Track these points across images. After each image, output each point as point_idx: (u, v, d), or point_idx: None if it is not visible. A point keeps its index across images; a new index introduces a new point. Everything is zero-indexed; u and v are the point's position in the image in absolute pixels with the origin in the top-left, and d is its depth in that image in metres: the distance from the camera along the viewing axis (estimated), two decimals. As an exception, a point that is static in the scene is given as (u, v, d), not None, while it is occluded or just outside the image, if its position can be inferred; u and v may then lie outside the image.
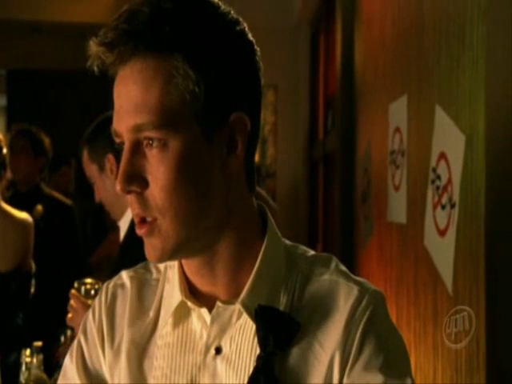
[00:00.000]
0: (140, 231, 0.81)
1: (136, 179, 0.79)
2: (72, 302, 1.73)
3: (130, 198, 0.81)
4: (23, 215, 2.36)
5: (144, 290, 0.91)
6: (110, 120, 2.11)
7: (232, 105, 0.81)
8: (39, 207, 2.97)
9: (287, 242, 0.92)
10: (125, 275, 0.94)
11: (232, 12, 0.83)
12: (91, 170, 1.97)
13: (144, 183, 0.79)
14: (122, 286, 0.93)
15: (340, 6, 3.04)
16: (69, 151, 4.55)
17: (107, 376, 0.90)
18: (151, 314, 0.89)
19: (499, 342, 1.25)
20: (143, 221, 0.80)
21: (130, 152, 0.79)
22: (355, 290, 0.84)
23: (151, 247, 0.81)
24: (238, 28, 0.83)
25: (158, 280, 0.91)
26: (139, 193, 0.80)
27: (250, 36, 0.84)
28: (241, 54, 0.82)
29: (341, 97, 2.96)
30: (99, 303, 0.92)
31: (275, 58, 4.21)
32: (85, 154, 1.98)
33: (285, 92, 4.45)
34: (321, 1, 3.93)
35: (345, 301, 0.84)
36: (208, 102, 0.79)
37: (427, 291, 1.71)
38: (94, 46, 0.78)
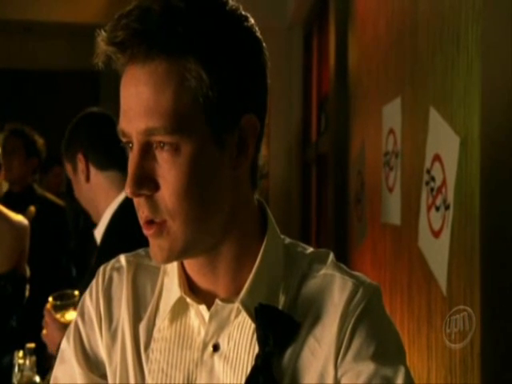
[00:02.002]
0: (148, 232, 0.80)
1: (146, 182, 0.78)
2: (46, 317, 1.68)
3: (139, 200, 0.80)
4: (19, 217, 2.35)
5: (142, 275, 0.91)
6: (87, 118, 2.02)
7: (243, 107, 0.80)
8: (32, 208, 2.95)
9: (287, 239, 0.92)
10: (123, 259, 0.93)
11: (240, 8, 0.82)
12: (67, 169, 1.93)
13: (154, 186, 0.78)
14: (119, 269, 0.92)
15: (333, 7, 3.04)
16: (60, 151, 4.53)
17: (104, 358, 0.89)
18: (150, 304, 0.89)
19: (493, 342, 1.25)
20: (151, 222, 0.80)
21: (139, 155, 0.78)
22: (350, 284, 0.84)
23: (158, 248, 0.81)
24: (246, 25, 0.81)
25: (157, 267, 0.91)
26: (149, 196, 0.78)
27: (258, 33, 0.83)
28: (251, 54, 0.82)
29: (334, 98, 2.96)
30: (96, 286, 0.92)
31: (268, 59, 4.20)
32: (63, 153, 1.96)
33: (277, 93, 4.44)
34: (314, 2, 3.93)
35: (339, 294, 0.84)
36: (220, 105, 0.78)
37: (421, 292, 1.72)
38: (102, 45, 0.76)
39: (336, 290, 0.84)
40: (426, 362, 1.66)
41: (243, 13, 0.82)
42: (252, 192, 0.87)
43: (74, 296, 1.77)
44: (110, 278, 0.92)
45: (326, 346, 0.82)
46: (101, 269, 0.94)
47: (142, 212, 0.80)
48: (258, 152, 0.85)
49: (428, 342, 1.65)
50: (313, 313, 0.84)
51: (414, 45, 1.82)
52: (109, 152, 1.86)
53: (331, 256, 0.90)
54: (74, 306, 1.75)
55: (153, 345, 0.86)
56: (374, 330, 0.82)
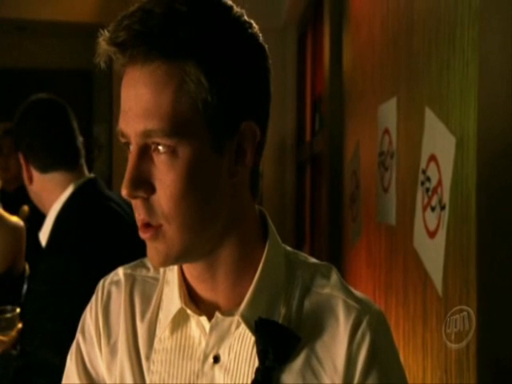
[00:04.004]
0: (144, 235, 0.80)
1: (143, 185, 0.78)
2: None
3: (135, 202, 0.79)
4: (15, 219, 2.35)
5: (140, 288, 0.91)
6: (32, 111, 1.79)
7: (243, 114, 0.80)
8: (25, 208, 2.94)
9: (288, 248, 0.91)
10: (121, 272, 0.93)
11: (244, 14, 0.82)
12: (19, 157, 1.78)
13: (151, 189, 0.78)
14: (117, 283, 0.92)
15: (328, 7, 3.04)
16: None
17: (105, 374, 0.89)
18: (148, 314, 0.89)
19: (489, 342, 1.26)
20: (148, 225, 0.79)
21: (137, 157, 0.78)
22: (355, 310, 0.84)
23: (155, 252, 0.80)
24: (250, 32, 0.81)
25: (155, 279, 0.91)
26: (145, 198, 0.78)
27: (261, 40, 0.83)
28: (253, 61, 0.81)
29: (329, 98, 2.96)
30: (96, 301, 0.93)
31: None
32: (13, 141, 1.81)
33: (271, 93, 4.44)
34: (308, 2, 3.93)
35: (345, 322, 0.83)
36: (219, 111, 0.77)
37: (416, 293, 1.72)
38: (103, 45, 0.76)
39: (341, 316, 0.84)
40: (421, 362, 1.66)
41: (247, 19, 0.81)
42: (252, 200, 0.86)
43: (13, 311, 1.71)
44: (109, 293, 0.92)
45: (330, 372, 0.82)
46: (100, 283, 0.94)
47: (139, 214, 0.79)
48: (258, 159, 0.84)
49: (423, 342, 1.65)
50: (316, 333, 0.83)
51: (409, 45, 1.83)
52: (52, 152, 1.74)
53: (335, 272, 0.89)
54: (12, 321, 1.69)
55: (154, 356, 0.86)
56: (384, 372, 0.83)
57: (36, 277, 1.61)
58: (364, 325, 0.83)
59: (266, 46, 0.84)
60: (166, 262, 0.81)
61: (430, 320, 1.60)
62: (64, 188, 1.73)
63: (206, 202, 0.79)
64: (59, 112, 1.80)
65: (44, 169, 1.74)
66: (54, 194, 1.73)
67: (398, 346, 1.83)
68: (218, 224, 0.81)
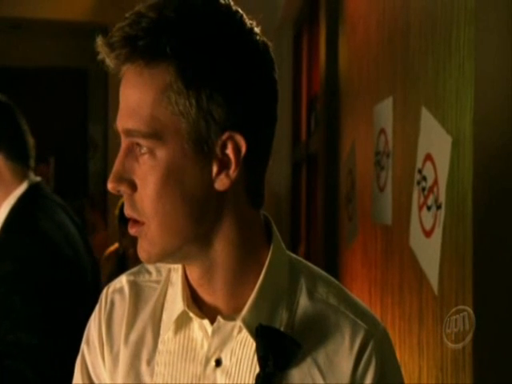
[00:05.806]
0: (131, 230, 0.83)
1: (125, 181, 0.80)
2: None
3: (124, 196, 0.82)
4: None
5: (142, 294, 0.91)
6: None
7: (225, 124, 0.79)
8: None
9: (292, 254, 0.92)
10: (124, 279, 0.94)
11: (248, 23, 0.81)
12: None
13: (133, 186, 0.81)
14: (121, 290, 0.93)
15: (324, 7, 3.05)
16: (46, 150, 4.51)
17: (108, 382, 0.90)
18: (151, 314, 0.89)
19: (485, 341, 1.26)
20: (135, 221, 0.82)
21: (124, 153, 0.81)
22: (362, 330, 0.85)
23: (141, 248, 0.83)
24: (250, 45, 0.81)
25: (158, 282, 0.92)
26: (130, 194, 0.81)
27: (267, 52, 0.82)
28: (251, 72, 0.80)
29: (324, 97, 2.96)
30: (99, 310, 0.93)
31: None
32: None
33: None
34: (304, 1, 3.94)
35: (351, 340, 0.84)
36: (199, 120, 0.78)
37: (412, 292, 1.72)
38: (100, 44, 0.79)
39: (346, 333, 0.84)
40: (417, 361, 1.67)
41: (255, 29, 0.81)
42: (252, 207, 0.86)
43: None
44: (112, 302, 0.92)
45: None
46: (103, 292, 0.94)
47: (125, 209, 0.82)
48: (255, 170, 0.84)
49: (419, 341, 1.66)
50: (319, 343, 0.84)
51: (405, 45, 1.83)
52: (20, 143, 1.73)
53: (337, 283, 0.90)
54: None
55: (157, 357, 0.87)
56: None
57: (1, 260, 1.57)
58: (371, 347, 0.84)
59: (273, 57, 0.83)
60: (150, 258, 0.83)
61: (426, 319, 1.61)
62: (20, 182, 1.69)
63: (185, 206, 0.80)
64: (14, 110, 1.78)
65: (12, 156, 1.70)
66: (8, 188, 1.68)
67: (394, 345, 1.83)
68: (200, 228, 0.81)
